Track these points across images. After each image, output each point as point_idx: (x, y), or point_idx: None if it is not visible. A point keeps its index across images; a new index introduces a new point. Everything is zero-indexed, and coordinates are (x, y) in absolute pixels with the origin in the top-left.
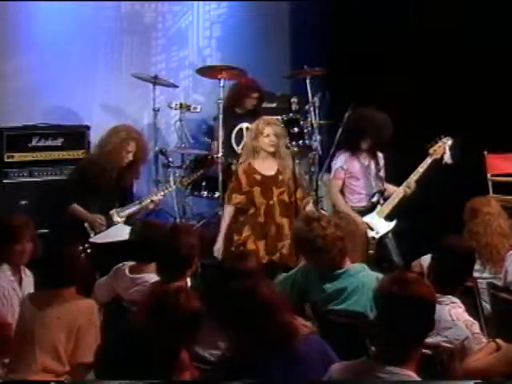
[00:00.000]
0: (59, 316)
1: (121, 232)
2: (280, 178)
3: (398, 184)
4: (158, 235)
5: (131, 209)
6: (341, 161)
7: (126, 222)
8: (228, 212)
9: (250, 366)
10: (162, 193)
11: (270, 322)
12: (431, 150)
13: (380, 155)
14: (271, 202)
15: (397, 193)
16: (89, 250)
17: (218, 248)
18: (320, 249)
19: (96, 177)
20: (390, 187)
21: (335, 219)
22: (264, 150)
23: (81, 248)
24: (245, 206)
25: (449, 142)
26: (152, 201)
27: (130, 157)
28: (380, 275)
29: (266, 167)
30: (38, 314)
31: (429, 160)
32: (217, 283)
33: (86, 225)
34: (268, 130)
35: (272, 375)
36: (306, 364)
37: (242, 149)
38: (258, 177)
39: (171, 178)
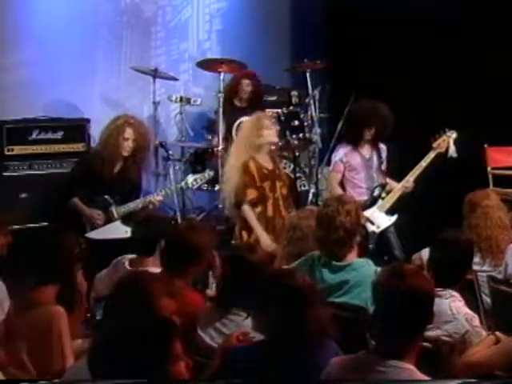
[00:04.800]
0: (25, 322)
1: (117, 230)
2: (277, 171)
3: (401, 177)
4: (167, 229)
5: (130, 207)
6: (340, 154)
7: (124, 220)
8: (248, 210)
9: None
10: (163, 193)
11: (306, 312)
12: (435, 144)
13: (383, 147)
14: (276, 196)
15: (398, 187)
16: (83, 246)
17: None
18: (322, 226)
19: (97, 170)
20: (391, 182)
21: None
22: (269, 142)
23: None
24: (256, 202)
25: (453, 135)
26: (152, 201)
27: (130, 144)
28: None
29: (269, 162)
30: (9, 318)
31: (432, 154)
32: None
33: (84, 219)
34: (269, 123)
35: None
36: (319, 372)
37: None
38: (265, 171)
39: (173, 179)
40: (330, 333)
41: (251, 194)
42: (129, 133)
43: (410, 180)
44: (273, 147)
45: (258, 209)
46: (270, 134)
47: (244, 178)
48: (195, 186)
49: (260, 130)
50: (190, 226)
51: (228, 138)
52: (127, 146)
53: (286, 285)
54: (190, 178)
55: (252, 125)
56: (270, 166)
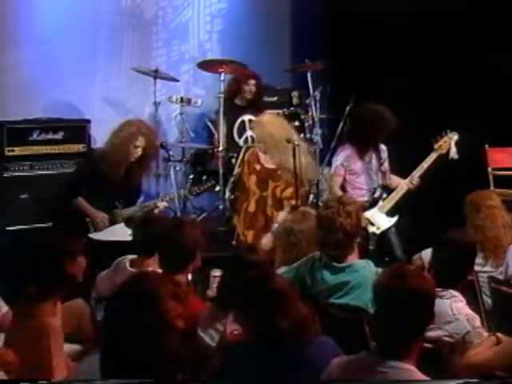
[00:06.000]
0: (20, 334)
1: (121, 232)
2: (279, 172)
3: (401, 178)
4: (162, 228)
5: (135, 210)
6: (341, 158)
7: (127, 223)
8: None
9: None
10: (168, 198)
11: (286, 312)
12: (436, 146)
13: (383, 148)
14: (265, 194)
15: (399, 188)
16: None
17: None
18: (321, 228)
19: (103, 171)
20: (394, 179)
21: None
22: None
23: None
24: (240, 194)
25: (455, 137)
26: (157, 206)
27: (139, 152)
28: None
29: (268, 159)
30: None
31: (433, 155)
32: (233, 274)
33: (87, 219)
34: (255, 132)
35: (282, 374)
36: (317, 368)
37: (245, 141)
38: (257, 166)
39: (173, 180)
40: (314, 329)
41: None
42: (141, 141)
43: (415, 176)
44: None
45: (241, 201)
46: (259, 147)
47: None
48: (198, 193)
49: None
50: (179, 223)
51: (229, 137)
52: (136, 153)
53: (264, 286)
54: (195, 187)
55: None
56: (269, 164)
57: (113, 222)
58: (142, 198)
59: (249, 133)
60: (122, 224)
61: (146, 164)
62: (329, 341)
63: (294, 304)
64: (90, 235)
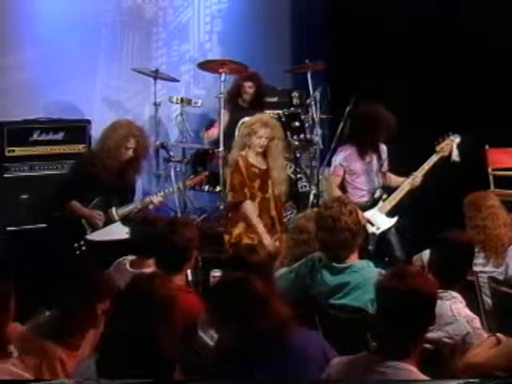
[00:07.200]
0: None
1: (118, 231)
2: (274, 172)
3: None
4: (156, 229)
5: (130, 208)
6: (340, 158)
7: (124, 221)
8: (249, 207)
9: (241, 357)
10: (163, 193)
11: (259, 314)
12: (438, 148)
13: (383, 148)
14: (267, 196)
15: (399, 189)
16: (84, 248)
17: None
18: (325, 229)
19: (96, 173)
20: (394, 178)
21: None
22: (254, 148)
23: (76, 245)
24: (242, 200)
25: (457, 139)
26: (152, 202)
27: (130, 153)
28: (383, 271)
29: (259, 161)
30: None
31: (435, 158)
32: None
33: (83, 221)
34: (262, 133)
35: (263, 368)
36: (300, 360)
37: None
38: (256, 170)
39: (174, 180)
40: (292, 325)
41: (242, 193)
42: (132, 143)
43: (417, 176)
44: (260, 150)
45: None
46: (257, 143)
47: (237, 178)
48: (192, 186)
49: (250, 135)
50: (171, 223)
51: (232, 138)
52: (126, 155)
53: (241, 288)
54: (187, 180)
55: (245, 126)
56: (262, 165)
57: (108, 222)
58: (140, 197)
59: None
60: (118, 223)
61: (137, 164)
62: (311, 334)
63: (271, 303)
64: (88, 237)
